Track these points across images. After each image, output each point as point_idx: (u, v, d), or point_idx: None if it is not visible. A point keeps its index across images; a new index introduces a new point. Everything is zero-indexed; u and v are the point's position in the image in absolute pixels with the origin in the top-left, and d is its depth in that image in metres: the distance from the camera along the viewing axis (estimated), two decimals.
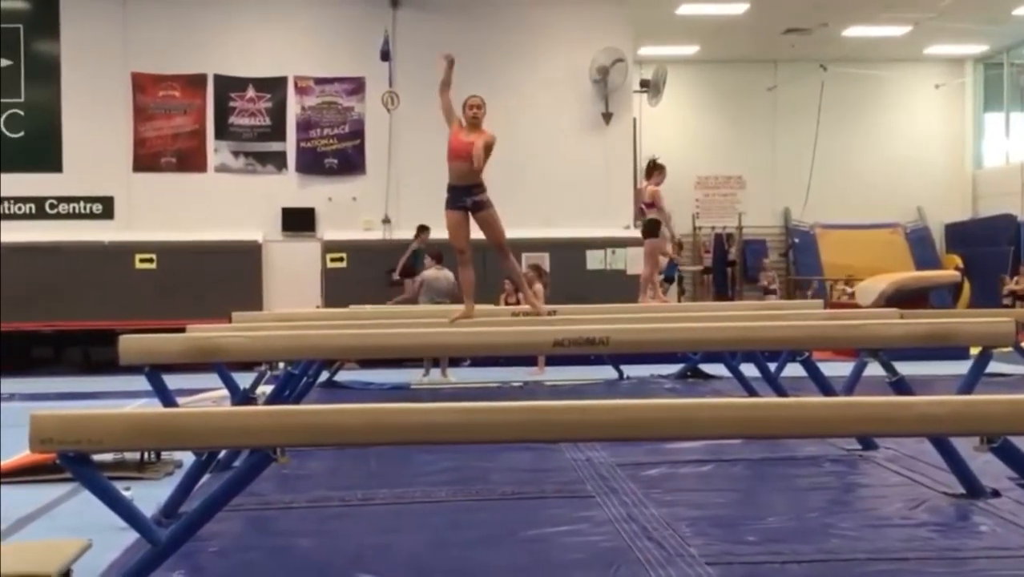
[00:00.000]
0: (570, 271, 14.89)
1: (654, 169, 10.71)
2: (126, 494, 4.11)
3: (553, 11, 15.63)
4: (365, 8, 15.26)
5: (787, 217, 19.73)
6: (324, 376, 10.78)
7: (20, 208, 14.85)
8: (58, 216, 14.93)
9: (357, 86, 15.32)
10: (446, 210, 7.00)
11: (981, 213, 19.58)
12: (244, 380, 6.78)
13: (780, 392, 7.66)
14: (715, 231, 19.69)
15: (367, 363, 12.71)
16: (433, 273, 12.57)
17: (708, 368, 11.31)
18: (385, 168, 15.32)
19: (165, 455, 6.74)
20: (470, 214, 6.96)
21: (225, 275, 14.39)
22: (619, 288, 13.76)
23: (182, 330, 6.36)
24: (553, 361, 12.40)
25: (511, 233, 14.81)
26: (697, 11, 16.55)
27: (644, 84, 17.22)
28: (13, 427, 4.40)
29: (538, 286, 12.57)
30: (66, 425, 3.35)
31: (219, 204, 14.94)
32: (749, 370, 8.75)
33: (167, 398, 5.62)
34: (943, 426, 3.69)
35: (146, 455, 6.55)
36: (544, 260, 15.10)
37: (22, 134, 14.92)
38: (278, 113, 15.29)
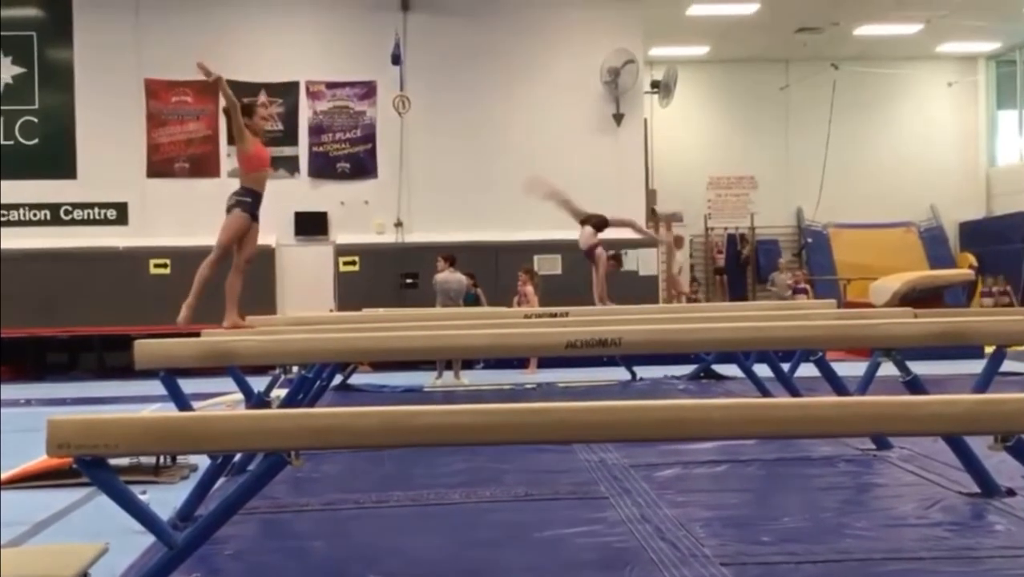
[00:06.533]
0: (582, 273, 14.86)
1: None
2: (142, 498, 4.14)
3: (563, 13, 15.63)
4: (376, 12, 15.31)
5: (800, 217, 19.68)
6: (338, 379, 10.81)
7: (35, 215, 14.95)
8: (73, 222, 15.02)
9: (368, 90, 15.36)
10: (247, 215, 7.14)
11: (995, 211, 19.51)
12: (258, 384, 6.80)
13: (793, 392, 7.64)
14: (727, 231, 19.65)
15: (380, 366, 12.74)
16: (445, 276, 12.59)
17: (721, 369, 11.29)
18: (397, 171, 15.35)
19: (180, 459, 6.77)
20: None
21: None
22: (631, 289, 13.75)
23: (197, 334, 6.39)
24: (565, 363, 12.40)
25: (524, 235, 14.96)
26: (708, 11, 16.55)
27: (655, 85, 17.22)
28: (30, 432, 4.43)
29: (529, 288, 12.65)
30: (83, 429, 3.37)
31: None
32: (762, 370, 8.74)
33: (182, 402, 5.64)
34: (957, 425, 3.68)
35: (162, 459, 6.58)
36: (556, 262, 15.12)
37: (36, 141, 15.02)
38: (290, 118, 15.35)
